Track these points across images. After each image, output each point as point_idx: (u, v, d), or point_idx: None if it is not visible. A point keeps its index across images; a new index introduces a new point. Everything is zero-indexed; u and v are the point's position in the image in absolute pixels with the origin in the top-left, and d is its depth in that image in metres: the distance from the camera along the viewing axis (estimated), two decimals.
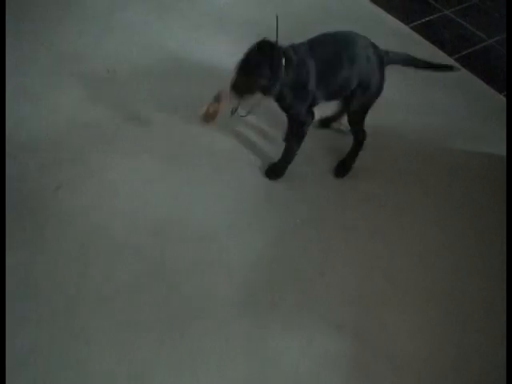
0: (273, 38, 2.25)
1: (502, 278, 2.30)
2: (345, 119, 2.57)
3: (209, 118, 2.42)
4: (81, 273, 2.17)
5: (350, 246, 2.39)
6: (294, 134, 2.50)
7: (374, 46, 2.38)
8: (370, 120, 2.52)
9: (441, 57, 3.33)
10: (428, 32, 3.53)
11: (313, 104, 2.39)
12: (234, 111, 2.45)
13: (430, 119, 2.93)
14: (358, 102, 2.42)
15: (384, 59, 2.38)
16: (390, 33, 3.51)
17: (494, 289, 2.30)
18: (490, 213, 2.57)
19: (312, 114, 2.43)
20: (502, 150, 2.79)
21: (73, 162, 2.54)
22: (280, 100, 2.38)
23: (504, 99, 3.10)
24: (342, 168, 2.66)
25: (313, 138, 2.57)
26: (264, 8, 3.66)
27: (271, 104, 2.42)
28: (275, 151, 2.64)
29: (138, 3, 3.57)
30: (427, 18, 3.68)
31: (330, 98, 2.42)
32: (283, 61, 2.24)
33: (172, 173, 2.59)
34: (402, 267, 2.34)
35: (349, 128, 2.58)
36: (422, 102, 3.01)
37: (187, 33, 3.38)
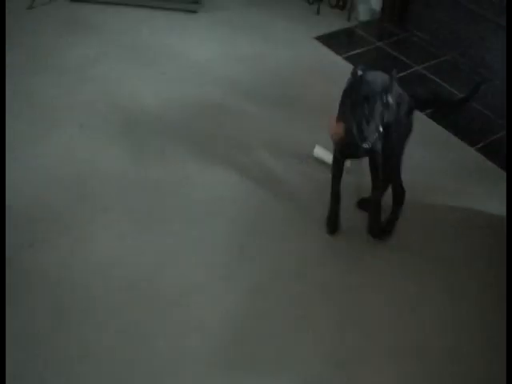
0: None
1: (481, 330, 2.30)
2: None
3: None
4: (54, 328, 2.16)
5: (327, 301, 2.38)
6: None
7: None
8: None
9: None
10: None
11: None
12: None
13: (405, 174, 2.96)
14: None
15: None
16: None
17: (475, 344, 2.28)
18: (468, 267, 2.58)
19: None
20: (480, 204, 2.83)
21: (46, 218, 2.56)
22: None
23: (476, 153, 3.15)
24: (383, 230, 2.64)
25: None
26: (241, 65, 3.74)
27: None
28: (254, 204, 2.67)
29: (115, 57, 3.65)
30: (400, 74, 3.76)
31: None
32: None
33: (146, 227, 2.60)
34: (381, 323, 2.33)
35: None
36: None
37: (164, 88, 3.44)
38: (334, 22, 4.31)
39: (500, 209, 2.75)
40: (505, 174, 2.94)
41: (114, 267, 2.41)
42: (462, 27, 3.90)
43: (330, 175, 2.59)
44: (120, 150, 2.98)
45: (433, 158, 3.07)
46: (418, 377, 2.16)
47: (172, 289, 2.36)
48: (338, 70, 3.78)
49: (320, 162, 2.97)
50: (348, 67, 3.78)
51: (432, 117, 3.32)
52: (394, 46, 4.08)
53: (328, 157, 2.93)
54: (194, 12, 4.29)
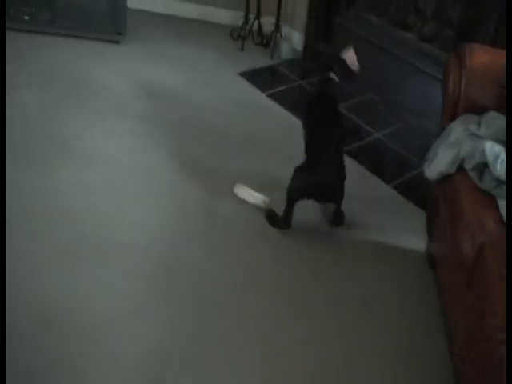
0: None
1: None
2: None
3: None
4: None
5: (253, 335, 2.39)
6: None
7: None
8: None
9: None
10: None
11: None
12: None
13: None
14: None
15: None
16: (287, 126, 3.67)
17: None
18: (379, 299, 2.63)
19: None
20: (397, 240, 2.90)
21: None
22: None
23: (392, 190, 3.25)
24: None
25: None
26: (163, 99, 3.75)
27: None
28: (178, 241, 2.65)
29: (35, 86, 3.58)
30: None
31: None
32: None
33: (69, 258, 2.54)
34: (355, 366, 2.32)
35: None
36: None
37: (80, 119, 3.40)
38: (258, 59, 4.39)
39: (416, 244, 2.85)
40: (420, 210, 3.03)
41: (36, 299, 2.35)
42: (381, 69, 4.03)
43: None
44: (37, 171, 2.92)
45: (350, 193, 3.14)
46: None
47: (91, 322, 2.30)
48: (262, 106, 3.85)
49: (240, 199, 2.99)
50: (271, 104, 3.86)
51: (348, 153, 3.41)
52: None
53: (248, 195, 2.96)
54: (117, 43, 4.28)
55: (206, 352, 2.25)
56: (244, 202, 2.95)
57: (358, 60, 2.78)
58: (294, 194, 2.76)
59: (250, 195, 2.97)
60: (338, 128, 2.85)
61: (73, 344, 2.21)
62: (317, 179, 2.73)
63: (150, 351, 2.22)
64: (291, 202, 2.78)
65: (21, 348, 2.14)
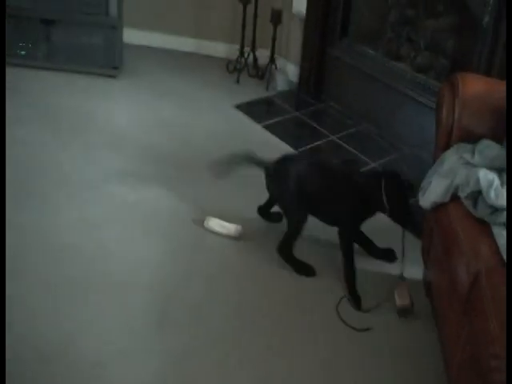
0: None
1: None
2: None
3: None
4: None
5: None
6: None
7: None
8: None
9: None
10: None
11: None
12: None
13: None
14: None
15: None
16: None
17: None
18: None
19: None
20: (391, 269, 2.90)
21: None
22: None
23: (388, 219, 3.23)
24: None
25: None
26: (160, 132, 3.77)
27: None
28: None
29: (31, 121, 3.60)
30: (315, 144, 3.88)
31: None
32: None
33: (68, 295, 2.54)
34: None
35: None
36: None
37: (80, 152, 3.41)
38: (253, 91, 4.42)
39: (415, 273, 2.83)
40: (416, 239, 3.02)
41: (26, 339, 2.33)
42: (375, 99, 4.06)
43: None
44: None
45: None
46: None
47: (85, 359, 2.28)
48: (258, 138, 3.87)
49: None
50: (267, 135, 3.88)
51: None
52: (310, 116, 4.20)
53: (219, 227, 2.98)
54: (113, 77, 4.31)
55: None
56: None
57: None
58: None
59: (222, 226, 2.97)
60: None
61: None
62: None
63: None
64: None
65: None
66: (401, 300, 2.65)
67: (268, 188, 2.90)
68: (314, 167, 2.85)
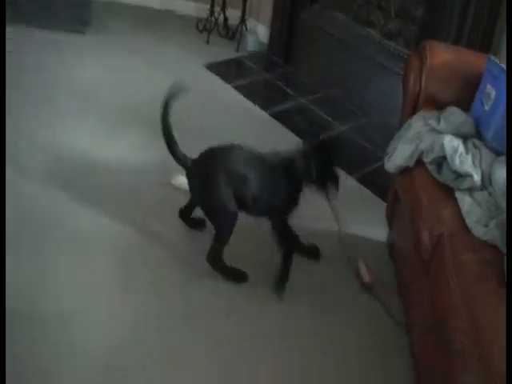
0: None
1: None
2: None
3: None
4: None
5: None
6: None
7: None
8: None
9: (296, 142, 3.51)
10: (285, 119, 3.75)
11: None
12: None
13: None
14: None
15: None
16: (252, 118, 3.71)
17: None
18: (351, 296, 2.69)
19: None
20: (359, 230, 2.95)
21: None
22: None
23: (355, 182, 3.31)
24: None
25: None
26: (127, 90, 3.74)
27: None
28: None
29: None
30: (284, 106, 3.91)
31: None
32: None
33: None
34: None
35: None
36: None
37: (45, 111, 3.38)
38: (224, 52, 4.41)
39: (377, 234, 2.91)
40: (381, 201, 3.09)
41: None
42: (345, 64, 4.09)
43: None
44: None
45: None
46: None
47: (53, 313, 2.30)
48: (227, 98, 3.88)
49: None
50: (236, 96, 3.89)
51: None
52: (280, 78, 4.22)
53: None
54: (82, 33, 4.26)
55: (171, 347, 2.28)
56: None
57: None
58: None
59: None
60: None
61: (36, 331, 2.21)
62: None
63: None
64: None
65: None
66: (362, 278, 2.67)
67: (190, 189, 2.60)
68: (244, 158, 2.52)
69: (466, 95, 2.55)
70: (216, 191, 2.44)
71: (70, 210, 2.78)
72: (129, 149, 3.26)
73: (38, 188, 2.87)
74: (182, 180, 2.97)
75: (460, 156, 2.31)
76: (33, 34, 4.14)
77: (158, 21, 4.70)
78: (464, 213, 2.17)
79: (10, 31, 4.02)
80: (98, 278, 2.49)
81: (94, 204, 2.82)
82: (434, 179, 2.34)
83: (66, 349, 2.18)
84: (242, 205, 2.51)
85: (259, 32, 4.56)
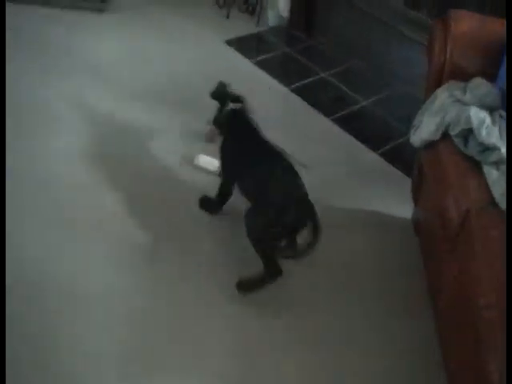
0: None
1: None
2: None
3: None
4: None
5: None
6: None
7: None
8: None
9: (319, 118, 3.47)
10: (307, 94, 3.69)
11: None
12: None
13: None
14: None
15: None
16: (273, 94, 3.65)
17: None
18: (381, 272, 2.65)
19: None
20: (384, 207, 2.91)
21: None
22: None
23: (378, 157, 3.25)
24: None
25: None
26: (150, 67, 3.72)
27: None
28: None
29: (17, 57, 3.54)
30: (306, 81, 3.85)
31: None
32: None
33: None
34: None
35: None
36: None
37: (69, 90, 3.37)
38: (244, 27, 4.34)
39: (402, 211, 2.86)
40: (406, 177, 3.04)
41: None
42: (367, 36, 4.02)
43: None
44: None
45: (337, 161, 3.14)
46: None
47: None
48: (248, 74, 3.83)
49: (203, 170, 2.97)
50: (257, 72, 3.84)
51: (334, 120, 3.43)
52: (301, 52, 4.15)
53: (210, 165, 2.95)
54: (101, 11, 4.22)
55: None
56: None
57: None
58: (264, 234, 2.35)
59: (212, 164, 2.95)
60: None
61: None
62: (287, 201, 2.33)
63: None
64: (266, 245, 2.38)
65: None
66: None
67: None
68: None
69: (492, 65, 2.47)
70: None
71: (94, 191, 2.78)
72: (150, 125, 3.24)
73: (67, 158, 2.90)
74: (204, 159, 2.97)
75: (487, 128, 2.25)
76: (52, 14, 4.11)
77: None
78: (491, 186, 2.12)
79: (30, 10, 4.03)
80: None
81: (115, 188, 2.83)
82: (460, 152, 2.29)
83: None
84: None
85: (280, 6, 4.48)
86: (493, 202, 2.07)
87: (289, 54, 4.14)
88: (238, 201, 2.57)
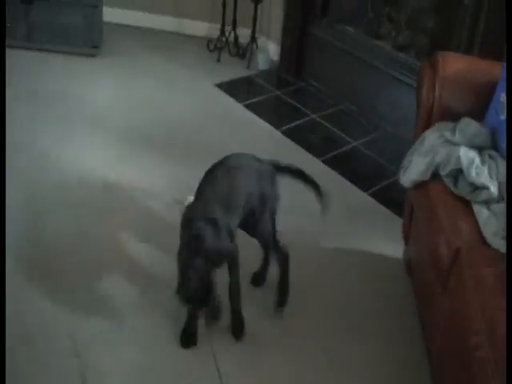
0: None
1: None
2: None
3: None
4: None
5: None
6: None
7: (258, 160, 2.43)
8: None
9: (309, 159, 3.48)
10: (297, 136, 3.72)
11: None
12: None
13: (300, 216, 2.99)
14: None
15: (273, 171, 2.43)
16: (264, 137, 3.67)
17: None
18: (370, 310, 2.64)
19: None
20: (375, 247, 2.91)
21: None
22: None
23: (369, 198, 3.26)
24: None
25: None
26: (139, 111, 3.74)
27: None
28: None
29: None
30: (296, 123, 3.88)
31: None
32: None
33: None
34: None
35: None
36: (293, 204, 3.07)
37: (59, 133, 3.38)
38: (234, 70, 4.39)
39: (393, 250, 2.86)
40: (397, 217, 3.04)
41: None
42: (356, 78, 4.06)
43: None
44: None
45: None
46: None
47: None
48: (239, 117, 3.86)
49: None
50: (248, 114, 3.87)
51: (325, 162, 3.48)
52: (291, 95, 4.19)
53: None
54: (93, 56, 4.27)
55: None
56: None
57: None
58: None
59: None
60: None
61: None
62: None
63: None
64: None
65: None
66: None
67: None
68: None
69: (480, 105, 2.50)
70: None
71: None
72: (140, 170, 3.25)
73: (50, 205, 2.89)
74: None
75: (476, 168, 2.27)
76: (44, 59, 4.16)
77: (169, 42, 4.69)
78: (481, 225, 2.13)
79: (23, 55, 4.07)
80: None
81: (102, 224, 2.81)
82: (450, 192, 2.30)
83: None
84: None
85: (270, 49, 4.54)
86: (483, 241, 2.07)
87: (279, 97, 4.18)
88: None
